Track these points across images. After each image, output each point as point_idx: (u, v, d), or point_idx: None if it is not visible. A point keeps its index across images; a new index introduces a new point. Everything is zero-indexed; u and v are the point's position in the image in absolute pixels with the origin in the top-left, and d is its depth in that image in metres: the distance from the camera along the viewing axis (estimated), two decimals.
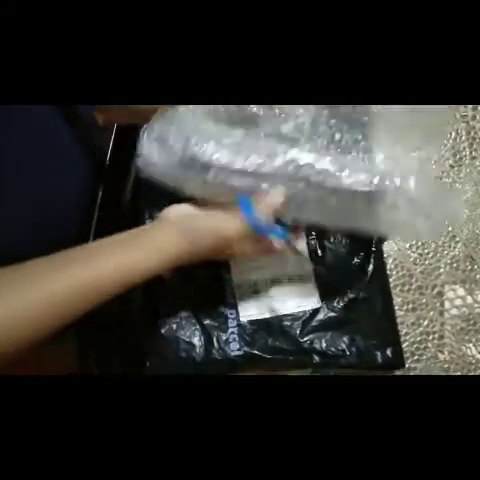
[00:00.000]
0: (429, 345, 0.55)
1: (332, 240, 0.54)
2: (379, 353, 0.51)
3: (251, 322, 0.50)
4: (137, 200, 0.51)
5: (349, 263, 0.53)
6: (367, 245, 0.54)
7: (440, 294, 0.56)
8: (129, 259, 0.38)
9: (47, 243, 0.45)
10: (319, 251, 0.53)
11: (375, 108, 0.45)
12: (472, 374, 0.54)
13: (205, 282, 0.51)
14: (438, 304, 0.56)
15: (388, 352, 0.52)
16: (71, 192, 0.50)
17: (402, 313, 0.55)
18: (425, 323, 0.55)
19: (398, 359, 0.51)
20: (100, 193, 0.47)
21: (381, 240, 0.54)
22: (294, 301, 0.51)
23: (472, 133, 0.62)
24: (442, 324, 0.55)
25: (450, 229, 0.58)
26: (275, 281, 0.51)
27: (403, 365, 0.52)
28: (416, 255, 0.57)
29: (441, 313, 0.56)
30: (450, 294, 0.56)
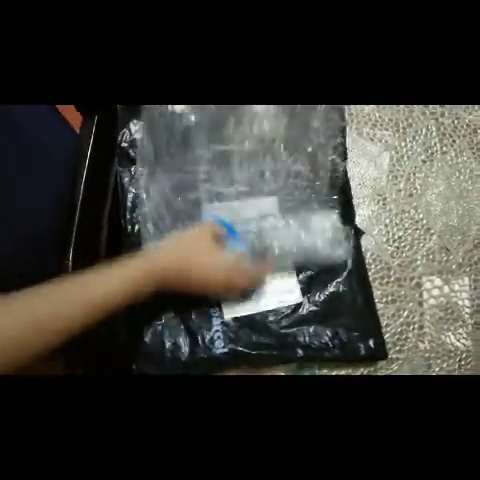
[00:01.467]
0: (410, 335, 0.56)
1: None
2: (362, 345, 0.52)
3: (235, 319, 0.50)
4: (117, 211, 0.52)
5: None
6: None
7: (418, 285, 0.58)
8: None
9: (27, 254, 0.45)
10: None
11: None
12: (452, 361, 0.56)
13: None
14: (417, 295, 0.57)
15: (371, 343, 0.53)
16: (50, 204, 0.50)
17: (382, 305, 0.56)
18: (405, 314, 0.56)
19: (381, 350, 0.53)
20: (79, 201, 0.47)
21: (358, 234, 0.55)
22: (277, 297, 0.51)
23: (442, 129, 0.64)
24: (421, 314, 0.57)
25: (425, 222, 0.60)
26: None
27: (386, 356, 0.53)
28: (393, 248, 0.59)
29: (420, 304, 0.57)
30: (428, 285, 0.58)
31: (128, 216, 0.51)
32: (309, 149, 0.55)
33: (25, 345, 0.36)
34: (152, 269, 0.42)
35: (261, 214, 0.52)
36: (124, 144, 0.52)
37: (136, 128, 0.52)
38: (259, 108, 0.55)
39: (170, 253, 0.45)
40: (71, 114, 0.54)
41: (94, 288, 0.39)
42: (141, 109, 0.52)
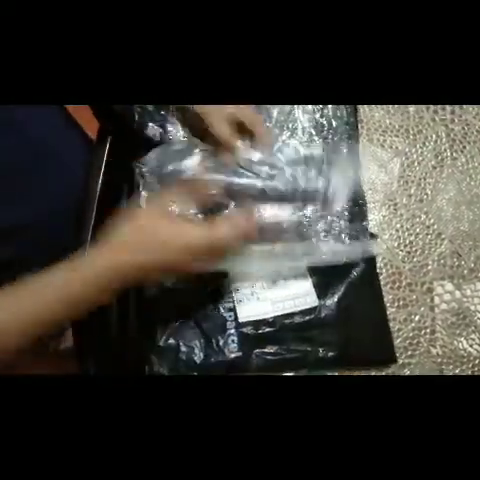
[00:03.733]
0: (421, 340, 0.56)
1: None
2: (372, 350, 0.53)
3: (249, 323, 0.51)
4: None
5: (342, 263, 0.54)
6: None
7: (429, 290, 0.58)
8: (69, 296, 0.38)
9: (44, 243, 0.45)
10: None
11: None
12: (465, 367, 0.55)
13: (203, 286, 0.51)
14: (428, 300, 0.57)
15: (381, 348, 0.53)
16: (65, 200, 0.51)
17: (393, 310, 0.56)
18: (416, 319, 0.56)
19: (390, 355, 0.53)
20: (98, 191, 0.47)
21: (372, 239, 0.56)
22: (290, 301, 0.52)
23: (452, 135, 0.65)
24: (433, 319, 0.57)
25: (436, 227, 0.60)
26: (272, 283, 0.52)
27: (395, 360, 0.53)
28: (404, 253, 0.59)
29: (431, 308, 0.57)
30: (439, 290, 0.58)
31: None
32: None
33: None
34: (114, 275, 0.38)
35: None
36: (141, 147, 0.52)
37: (154, 131, 0.53)
38: None
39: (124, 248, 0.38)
40: (84, 118, 0.55)
41: (51, 296, 0.37)
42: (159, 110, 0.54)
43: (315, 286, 0.52)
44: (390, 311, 0.55)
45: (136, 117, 0.53)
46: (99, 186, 0.47)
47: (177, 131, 0.56)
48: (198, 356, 0.49)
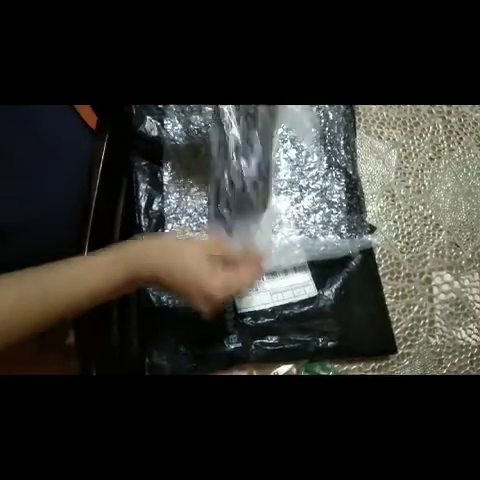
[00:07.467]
0: (420, 330, 0.56)
1: None
2: (372, 340, 0.53)
3: (248, 314, 0.51)
4: (132, 198, 0.53)
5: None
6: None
7: (428, 281, 0.58)
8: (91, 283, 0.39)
9: (44, 240, 0.46)
10: None
11: None
12: (463, 357, 0.56)
13: None
14: (427, 290, 0.58)
15: (381, 339, 0.53)
16: (66, 202, 0.51)
17: (392, 300, 0.57)
18: (415, 309, 0.57)
19: (390, 345, 0.53)
20: (96, 192, 0.48)
21: (370, 230, 0.56)
22: (289, 292, 0.52)
23: (448, 127, 0.65)
24: (432, 310, 0.57)
25: (433, 218, 0.60)
26: (271, 273, 0.52)
27: (395, 350, 0.53)
28: (403, 244, 0.59)
29: (430, 299, 0.57)
30: (438, 280, 0.58)
31: (143, 212, 0.51)
32: (321, 147, 0.57)
33: None
34: (135, 273, 0.41)
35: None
36: (139, 141, 0.53)
37: (152, 125, 0.53)
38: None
39: (157, 258, 0.42)
40: (86, 113, 0.55)
41: (75, 289, 0.39)
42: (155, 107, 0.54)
43: (314, 276, 0.53)
44: (389, 302, 0.56)
45: (134, 111, 0.53)
46: (98, 181, 0.47)
47: (174, 125, 0.56)
48: (197, 347, 0.49)
